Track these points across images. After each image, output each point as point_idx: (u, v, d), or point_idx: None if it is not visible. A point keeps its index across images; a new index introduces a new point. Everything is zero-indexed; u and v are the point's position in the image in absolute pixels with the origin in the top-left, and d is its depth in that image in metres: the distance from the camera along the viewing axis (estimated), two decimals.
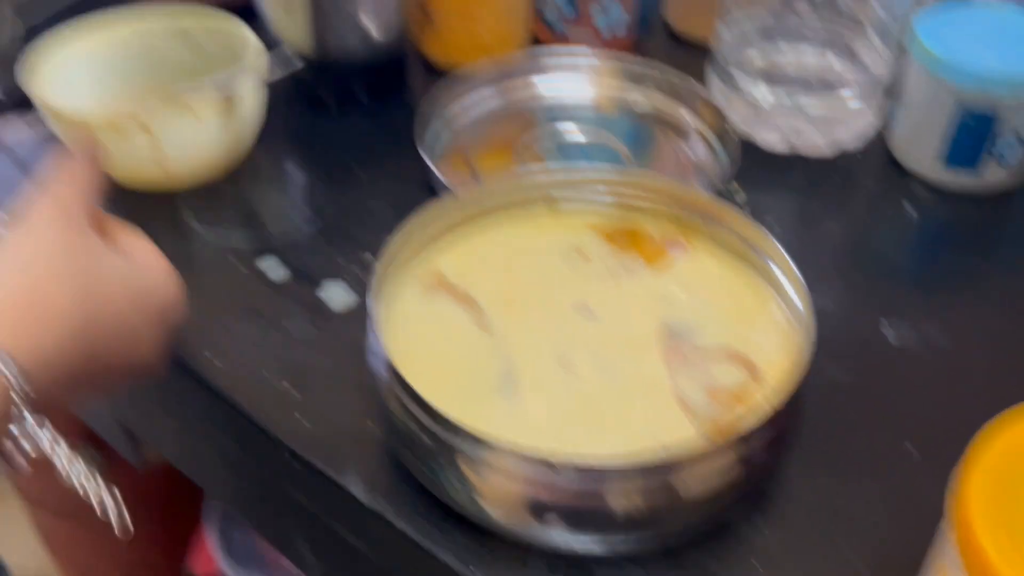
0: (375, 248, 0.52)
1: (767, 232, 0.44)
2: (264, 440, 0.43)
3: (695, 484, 0.36)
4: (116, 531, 0.37)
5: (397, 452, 0.40)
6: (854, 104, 0.58)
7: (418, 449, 0.38)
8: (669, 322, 0.43)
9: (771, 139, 0.60)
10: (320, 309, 0.49)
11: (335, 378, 0.45)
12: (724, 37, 0.60)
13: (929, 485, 0.40)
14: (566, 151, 0.61)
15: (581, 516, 0.36)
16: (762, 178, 0.58)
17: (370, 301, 0.40)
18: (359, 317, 0.48)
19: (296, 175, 0.59)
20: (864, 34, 0.59)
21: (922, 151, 0.57)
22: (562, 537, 0.37)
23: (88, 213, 0.41)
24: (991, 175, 0.56)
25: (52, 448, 0.36)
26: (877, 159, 0.60)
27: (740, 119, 0.60)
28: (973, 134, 0.55)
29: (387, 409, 0.39)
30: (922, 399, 0.45)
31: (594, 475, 0.35)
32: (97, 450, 0.84)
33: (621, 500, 0.35)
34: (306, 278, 0.51)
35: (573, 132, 0.62)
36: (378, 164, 0.59)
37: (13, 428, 0.36)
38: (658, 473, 0.35)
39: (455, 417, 0.35)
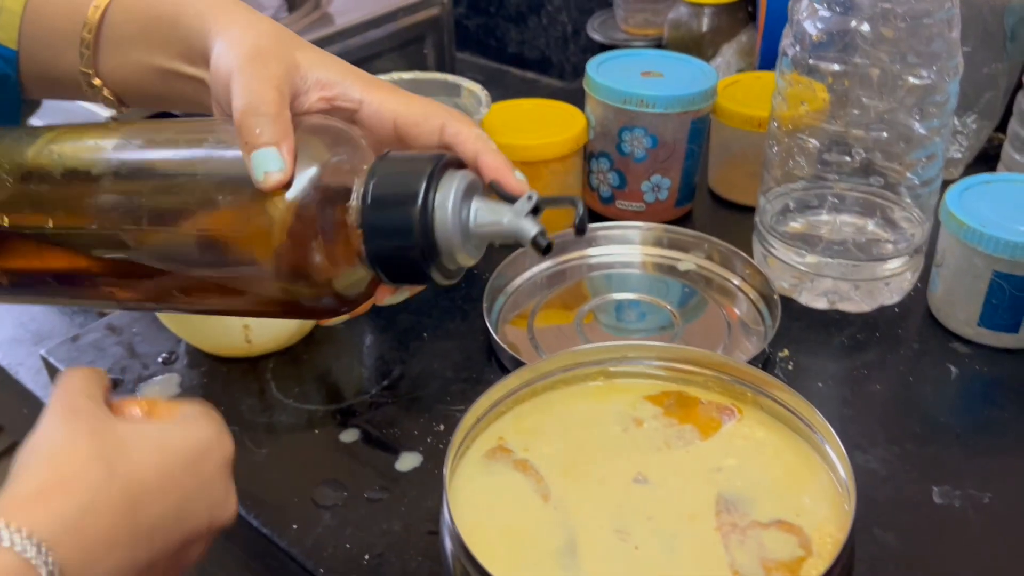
0: (442, 414, 0.56)
1: (809, 402, 0.46)
2: None
3: None
4: None
5: None
6: (893, 265, 0.62)
7: None
8: (724, 493, 0.46)
9: (814, 301, 0.63)
10: (394, 477, 0.52)
11: (407, 543, 0.48)
12: (765, 208, 0.65)
13: None
14: (621, 315, 0.65)
15: None
16: (808, 339, 0.61)
17: (444, 478, 0.44)
18: (426, 480, 0.52)
19: (367, 340, 0.64)
20: (899, 201, 0.63)
21: (961, 313, 0.60)
22: None
23: (97, 399, 0.39)
24: None
25: None
26: (917, 317, 0.63)
27: (785, 282, 0.64)
28: (1009, 298, 0.57)
29: None
30: (971, 561, 0.46)
31: None
32: None
33: None
34: (383, 447, 0.54)
35: (626, 297, 0.66)
36: (445, 331, 0.63)
37: None
38: None
39: None
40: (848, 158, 0.61)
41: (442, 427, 0.55)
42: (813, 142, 0.60)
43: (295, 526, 0.50)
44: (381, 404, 0.58)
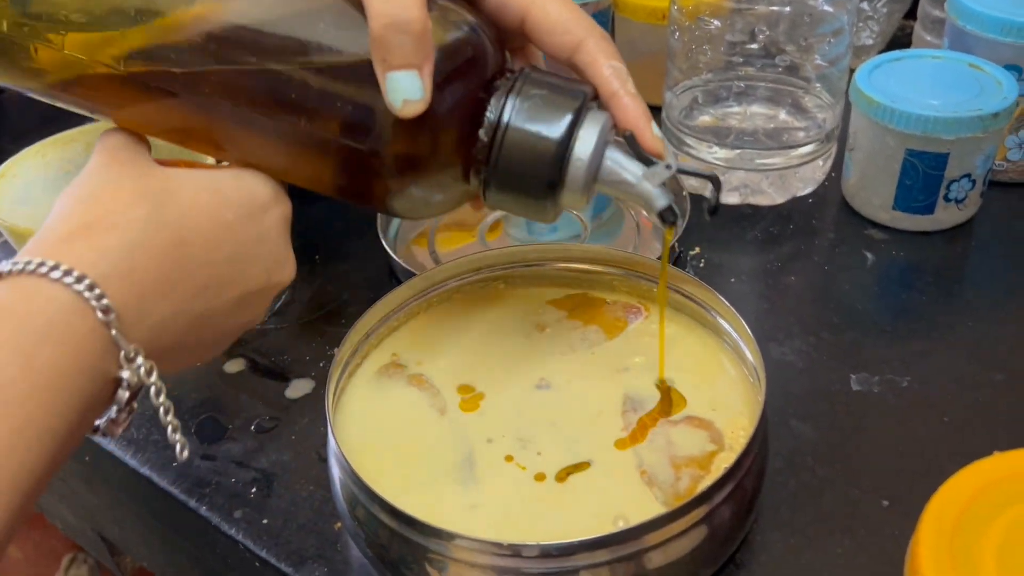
0: (336, 338, 0.52)
1: (717, 293, 0.44)
2: (227, 542, 0.43)
3: (659, 554, 0.35)
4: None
5: (359, 548, 0.40)
6: (804, 151, 0.59)
7: (378, 545, 0.37)
8: (630, 393, 0.43)
9: (726, 196, 0.61)
10: (283, 404, 0.49)
11: (297, 472, 0.45)
12: (672, 103, 0.61)
13: (902, 536, 0.40)
14: (528, 224, 0.61)
15: None
16: (719, 236, 0.59)
17: (327, 398, 0.40)
18: (318, 406, 0.48)
19: None
20: (809, 87, 0.60)
21: (875, 198, 0.58)
22: None
23: (143, 152, 0.37)
24: (945, 215, 0.57)
25: (158, 401, 0.32)
26: (832, 206, 0.61)
27: (694, 179, 0.61)
28: (923, 177, 0.55)
29: (345, 505, 0.39)
30: (892, 449, 0.44)
31: (556, 555, 0.34)
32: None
33: None
34: (272, 375, 0.51)
35: None
36: (342, 253, 0.59)
37: (123, 373, 0.31)
38: (620, 546, 0.34)
39: (412, 510, 0.35)
40: (754, 45, 0.58)
41: (336, 350, 0.51)
42: (716, 23, 0.57)
43: (175, 464, 0.46)
44: (270, 331, 0.53)
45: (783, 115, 0.61)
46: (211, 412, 0.48)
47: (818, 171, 0.61)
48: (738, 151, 0.59)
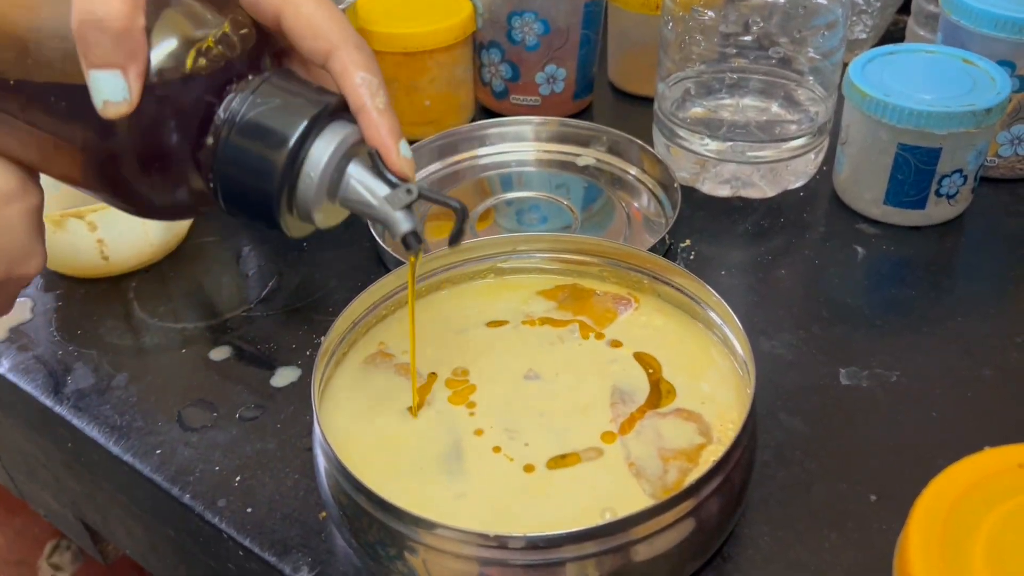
0: (322, 326, 0.52)
1: (708, 286, 0.43)
2: (210, 530, 0.42)
3: (647, 547, 0.35)
4: None
5: (344, 538, 0.39)
6: (796, 144, 0.59)
7: (363, 535, 0.37)
8: (619, 385, 0.43)
9: (717, 189, 0.60)
10: (268, 392, 0.48)
11: (282, 461, 0.44)
12: (664, 94, 0.61)
13: (890, 531, 0.40)
14: (518, 217, 0.61)
15: None
16: (710, 228, 0.59)
17: (312, 387, 0.40)
18: (304, 394, 0.48)
19: (243, 252, 0.59)
20: (801, 80, 0.60)
21: (867, 192, 0.58)
22: None
23: None
24: (936, 210, 0.57)
25: None
26: (823, 200, 0.61)
27: (686, 172, 0.61)
28: (915, 172, 0.55)
29: (331, 494, 0.38)
30: (880, 444, 0.44)
31: (542, 547, 0.34)
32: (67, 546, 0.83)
33: (574, 571, 0.35)
34: (258, 363, 0.50)
35: (524, 197, 0.62)
36: (329, 240, 0.59)
37: None
38: (607, 539, 0.34)
39: (397, 500, 0.35)
40: (747, 36, 0.58)
41: (322, 339, 0.51)
42: (710, 14, 0.57)
43: (158, 451, 0.45)
44: (256, 318, 0.53)
45: (775, 108, 0.61)
46: (196, 399, 0.48)
47: (810, 165, 0.60)
48: (730, 143, 0.59)
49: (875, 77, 0.56)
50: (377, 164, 0.34)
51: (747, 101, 0.61)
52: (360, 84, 0.34)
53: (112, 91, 0.31)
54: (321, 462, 0.39)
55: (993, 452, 0.29)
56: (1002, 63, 0.57)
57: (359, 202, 0.34)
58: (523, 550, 0.34)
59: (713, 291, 0.43)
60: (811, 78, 0.59)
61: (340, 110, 0.34)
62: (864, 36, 0.74)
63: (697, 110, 0.61)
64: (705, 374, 0.43)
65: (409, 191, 0.34)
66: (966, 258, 0.57)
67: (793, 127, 0.59)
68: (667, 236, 0.54)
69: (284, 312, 0.53)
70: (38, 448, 0.56)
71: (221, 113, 0.33)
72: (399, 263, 0.52)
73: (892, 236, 0.57)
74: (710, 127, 0.60)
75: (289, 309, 0.53)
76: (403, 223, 0.34)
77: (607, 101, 0.73)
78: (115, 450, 0.46)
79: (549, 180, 0.63)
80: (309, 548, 0.40)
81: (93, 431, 0.47)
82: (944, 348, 0.50)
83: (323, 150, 0.33)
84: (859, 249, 0.57)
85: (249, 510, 0.42)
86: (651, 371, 0.43)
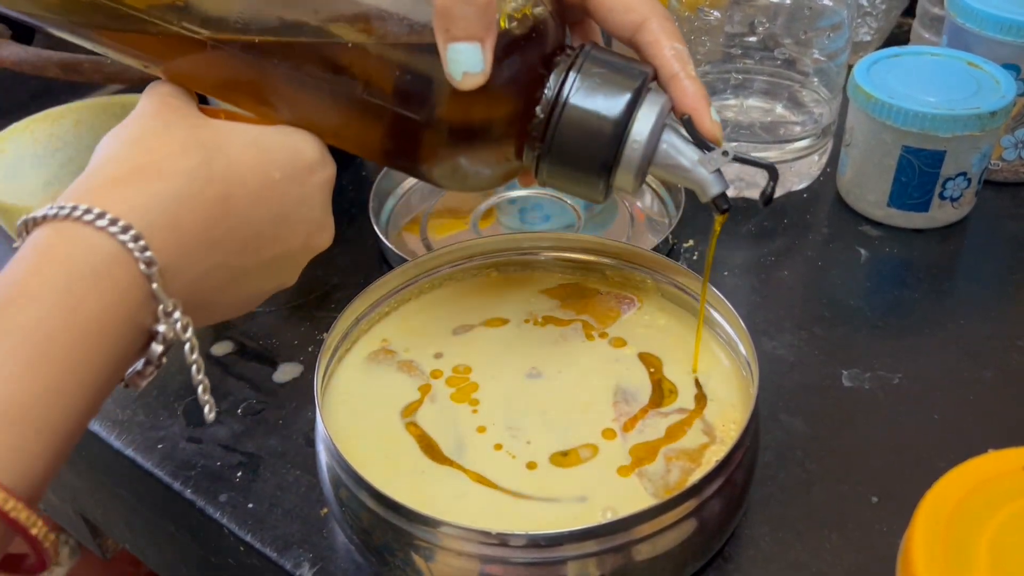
0: (325, 322, 0.52)
1: (711, 286, 0.43)
2: (211, 525, 0.42)
3: (648, 546, 0.35)
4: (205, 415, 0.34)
5: (345, 534, 0.39)
6: (800, 145, 0.59)
7: (365, 532, 0.37)
8: (622, 384, 0.43)
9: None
10: (270, 388, 0.48)
11: (283, 457, 0.44)
12: None
13: (891, 532, 0.40)
14: (521, 215, 0.61)
15: None
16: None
17: (316, 382, 0.40)
18: (306, 390, 0.48)
19: None
20: (806, 82, 0.60)
21: (870, 194, 0.58)
22: None
23: (191, 101, 0.36)
24: (940, 213, 0.57)
25: (192, 358, 0.32)
26: (827, 202, 0.61)
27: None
28: (919, 175, 0.55)
29: (332, 490, 0.38)
30: (882, 445, 0.44)
31: (544, 545, 0.34)
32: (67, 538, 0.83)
33: (575, 569, 0.35)
34: (260, 359, 0.50)
35: (527, 195, 0.62)
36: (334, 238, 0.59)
37: (159, 327, 0.30)
38: (608, 538, 0.34)
39: (399, 497, 0.35)
40: (753, 37, 0.58)
41: (325, 335, 0.51)
42: (715, 14, 0.57)
43: (160, 446, 0.45)
44: (258, 315, 0.53)
45: (780, 109, 0.61)
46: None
47: (813, 166, 0.60)
48: (734, 144, 0.59)
49: (880, 79, 0.56)
50: (691, 129, 0.37)
51: (751, 102, 0.61)
52: (672, 55, 0.37)
53: (473, 63, 0.33)
54: (323, 458, 0.39)
55: (997, 455, 0.29)
56: (1007, 66, 0.57)
57: (673, 166, 0.37)
58: (524, 548, 0.34)
59: (716, 291, 0.43)
60: (816, 80, 0.59)
61: (652, 80, 0.37)
62: (869, 38, 0.74)
63: None
64: (708, 374, 0.43)
65: (725, 153, 0.36)
66: (969, 261, 0.57)
67: (797, 128, 0.59)
68: (670, 236, 0.54)
69: (287, 308, 0.53)
70: None
71: (550, 86, 0.36)
72: (402, 260, 0.52)
73: (895, 238, 0.57)
74: None
75: (292, 305, 0.53)
76: (715, 185, 0.37)
77: None
78: (117, 444, 0.46)
79: None
80: (310, 544, 0.40)
81: (95, 425, 0.47)
82: (946, 350, 0.50)
83: (647, 120, 0.35)
84: (862, 251, 0.57)
85: (250, 506, 0.42)
86: (653, 371, 0.43)
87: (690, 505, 0.35)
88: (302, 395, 0.48)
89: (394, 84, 0.35)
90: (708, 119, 0.36)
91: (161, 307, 0.30)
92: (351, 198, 0.62)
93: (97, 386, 0.29)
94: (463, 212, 0.60)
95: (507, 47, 0.34)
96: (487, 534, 0.34)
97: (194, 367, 0.33)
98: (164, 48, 0.36)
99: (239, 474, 0.44)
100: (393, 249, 0.54)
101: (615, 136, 0.35)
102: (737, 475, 0.37)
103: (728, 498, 0.37)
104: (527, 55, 0.35)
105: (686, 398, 0.42)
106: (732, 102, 0.61)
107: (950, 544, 0.27)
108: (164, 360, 0.32)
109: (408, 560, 0.36)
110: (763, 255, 0.57)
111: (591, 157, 0.36)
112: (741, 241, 0.58)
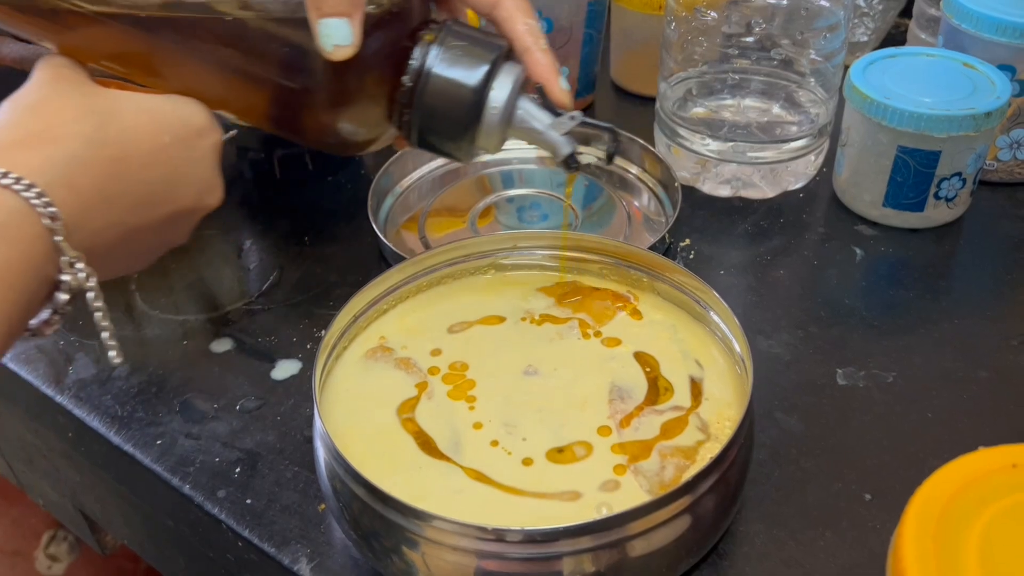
0: (323, 320, 0.52)
1: (707, 284, 0.44)
2: (209, 521, 0.42)
3: (643, 542, 0.35)
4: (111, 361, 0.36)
5: (343, 530, 0.40)
6: (796, 145, 0.59)
7: (362, 527, 0.37)
8: (617, 382, 0.43)
9: (718, 188, 0.61)
10: (268, 385, 0.48)
11: (281, 454, 0.45)
12: (666, 94, 0.61)
13: (885, 532, 0.40)
14: (519, 214, 0.61)
15: None
16: (710, 228, 0.59)
17: (314, 379, 0.40)
18: (304, 388, 0.48)
19: (245, 245, 0.59)
20: (803, 82, 0.60)
21: (866, 195, 0.58)
22: None
23: (83, 72, 0.38)
24: (935, 213, 0.57)
25: (95, 305, 0.34)
26: (823, 202, 0.61)
27: (687, 171, 0.61)
28: (914, 175, 0.55)
29: (330, 486, 0.39)
30: (876, 444, 0.45)
31: (539, 541, 0.34)
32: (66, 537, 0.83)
33: (570, 565, 0.35)
34: (258, 356, 0.50)
35: (525, 195, 0.62)
36: (330, 235, 0.59)
37: (64, 276, 0.33)
38: (603, 533, 0.34)
39: (396, 493, 0.35)
40: (750, 38, 0.58)
41: (323, 333, 0.51)
42: (712, 15, 0.57)
43: (159, 442, 0.45)
44: (257, 312, 0.53)
45: (776, 109, 0.61)
46: (196, 391, 0.48)
47: (810, 166, 0.61)
48: (731, 143, 0.59)
49: (876, 80, 0.56)
50: (544, 97, 0.41)
51: (748, 102, 0.61)
52: (525, 30, 0.41)
53: (342, 36, 0.36)
54: (321, 454, 0.39)
55: (987, 452, 0.30)
56: (1002, 67, 0.57)
57: (528, 129, 0.41)
58: (520, 543, 0.34)
59: (712, 289, 0.43)
60: (812, 80, 0.60)
61: (508, 53, 0.41)
62: (866, 39, 0.74)
63: (699, 110, 0.61)
64: (703, 371, 0.43)
65: (572, 117, 0.41)
66: (963, 261, 0.57)
67: (794, 128, 0.60)
68: (667, 235, 0.54)
69: (285, 306, 0.54)
70: (38, 437, 0.56)
71: (416, 56, 0.39)
72: (400, 258, 0.52)
73: (890, 238, 0.58)
74: (711, 127, 0.60)
75: (290, 303, 0.54)
76: (565, 146, 0.41)
77: (609, 100, 0.74)
78: (116, 440, 0.46)
79: (550, 178, 0.64)
80: (308, 539, 0.41)
81: (94, 421, 0.47)
82: (941, 349, 0.50)
83: (503, 87, 0.39)
84: (857, 250, 0.57)
85: (248, 501, 0.42)
86: (649, 369, 0.44)
87: (685, 502, 0.36)
88: (300, 392, 0.48)
89: (272, 56, 0.38)
90: (557, 88, 0.41)
91: (65, 258, 0.33)
92: (349, 196, 0.62)
93: (3, 336, 0.31)
94: (461, 210, 0.61)
95: (375, 22, 0.37)
96: (483, 529, 0.34)
97: (98, 314, 0.35)
98: (54, 23, 0.39)
99: (237, 470, 0.44)
100: (391, 247, 0.54)
101: (475, 102, 0.39)
102: (731, 472, 0.38)
103: (722, 495, 0.37)
104: (393, 29, 0.39)
105: (682, 396, 0.42)
106: (729, 102, 0.61)
107: (940, 540, 0.27)
108: (69, 308, 0.34)
109: (404, 555, 0.36)
110: (759, 254, 0.57)
111: (455, 121, 0.40)
112: (737, 240, 0.58)
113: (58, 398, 0.49)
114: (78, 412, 0.47)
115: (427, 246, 0.57)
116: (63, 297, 0.33)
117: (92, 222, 0.34)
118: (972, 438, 0.44)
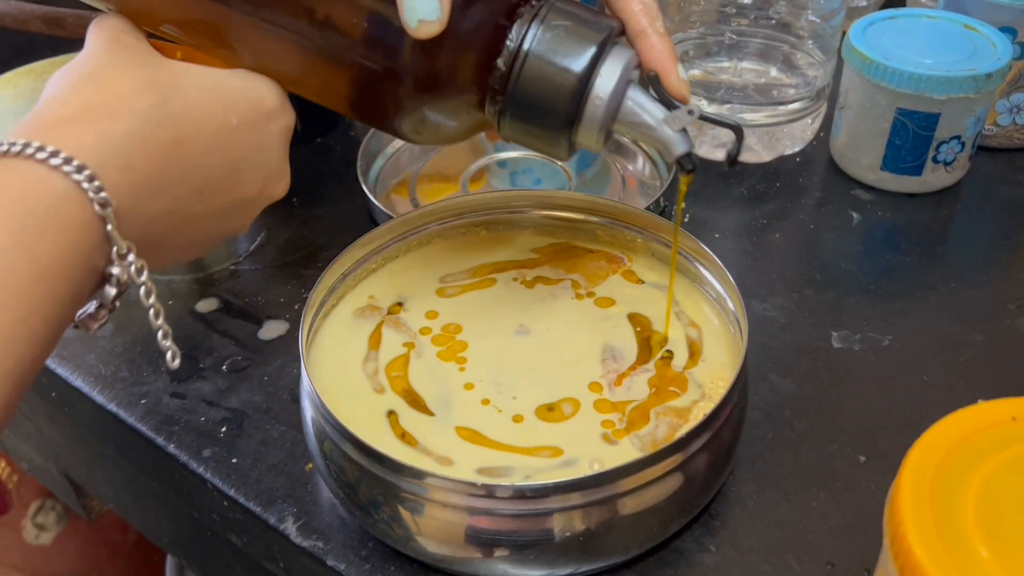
0: (311, 280, 0.51)
1: (702, 244, 0.43)
2: (194, 480, 0.42)
3: (634, 500, 0.35)
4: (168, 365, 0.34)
5: (330, 488, 0.39)
6: (793, 107, 0.58)
7: (350, 485, 0.37)
8: (610, 342, 0.42)
9: (714, 152, 0.60)
10: (255, 345, 0.48)
11: (268, 413, 0.44)
12: None
13: (879, 493, 0.40)
14: (512, 179, 0.60)
15: (522, 544, 0.35)
16: (705, 192, 0.58)
17: (300, 337, 0.39)
18: (291, 348, 0.47)
19: None
20: (801, 45, 0.59)
21: (864, 158, 0.57)
22: (504, 571, 0.36)
23: (143, 39, 0.35)
24: (933, 177, 0.56)
25: (149, 302, 0.31)
26: (820, 166, 0.60)
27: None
28: (912, 137, 0.55)
29: (317, 444, 0.38)
30: (871, 406, 0.44)
31: (530, 497, 0.34)
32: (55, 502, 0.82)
33: (561, 522, 0.34)
34: (245, 316, 0.49)
35: (517, 158, 0.61)
36: (320, 196, 0.58)
37: (113, 269, 0.30)
38: (594, 490, 0.34)
39: (386, 450, 0.34)
40: None
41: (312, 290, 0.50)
42: None
43: (143, 401, 0.45)
44: (244, 272, 0.52)
45: (774, 71, 0.60)
46: (182, 350, 0.47)
47: (807, 129, 0.60)
48: (727, 106, 0.58)
49: (875, 41, 0.55)
50: (657, 87, 0.35)
51: (746, 64, 0.60)
52: (640, 9, 0.35)
53: (428, 10, 0.32)
54: (308, 412, 0.39)
55: (986, 405, 0.29)
56: (1004, 29, 0.56)
57: (638, 124, 0.35)
58: (510, 499, 0.33)
59: (706, 248, 0.43)
60: (810, 42, 0.59)
61: (619, 35, 0.36)
62: (866, 3, 0.73)
63: (695, 72, 0.60)
64: (698, 333, 0.43)
65: (690, 111, 0.35)
66: (961, 226, 0.56)
67: (791, 91, 0.59)
68: (661, 198, 0.54)
69: (273, 267, 0.53)
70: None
71: (512, 37, 0.34)
72: (390, 220, 0.51)
73: (888, 202, 0.57)
74: (708, 89, 0.59)
75: (278, 264, 0.53)
76: (680, 145, 0.35)
77: None
78: (99, 399, 0.45)
79: None
80: (294, 499, 0.40)
81: (78, 380, 0.46)
82: (937, 313, 0.49)
83: (610, 75, 0.34)
84: (854, 215, 0.56)
85: (234, 460, 0.42)
86: (640, 329, 0.43)
87: (676, 459, 0.35)
88: (288, 352, 0.47)
89: (355, 31, 0.34)
90: (675, 76, 0.35)
91: (115, 249, 0.30)
92: (339, 158, 0.61)
93: (49, 330, 0.29)
94: (452, 175, 0.60)
95: None
96: (473, 485, 0.33)
97: (151, 311, 0.32)
98: None
99: (223, 429, 0.43)
100: (381, 208, 0.53)
101: (577, 91, 0.34)
102: (724, 431, 0.37)
103: (715, 454, 0.37)
104: (488, 4, 0.34)
105: (676, 357, 0.42)
106: (726, 64, 0.60)
107: (937, 493, 0.26)
108: (117, 304, 0.31)
109: (394, 513, 0.35)
110: (755, 218, 0.56)
111: (553, 112, 0.35)
112: (733, 204, 0.57)
113: None
114: (61, 371, 0.47)
115: (417, 206, 0.56)
116: (112, 291, 0.30)
117: (146, 209, 0.31)
118: (968, 401, 0.42)
